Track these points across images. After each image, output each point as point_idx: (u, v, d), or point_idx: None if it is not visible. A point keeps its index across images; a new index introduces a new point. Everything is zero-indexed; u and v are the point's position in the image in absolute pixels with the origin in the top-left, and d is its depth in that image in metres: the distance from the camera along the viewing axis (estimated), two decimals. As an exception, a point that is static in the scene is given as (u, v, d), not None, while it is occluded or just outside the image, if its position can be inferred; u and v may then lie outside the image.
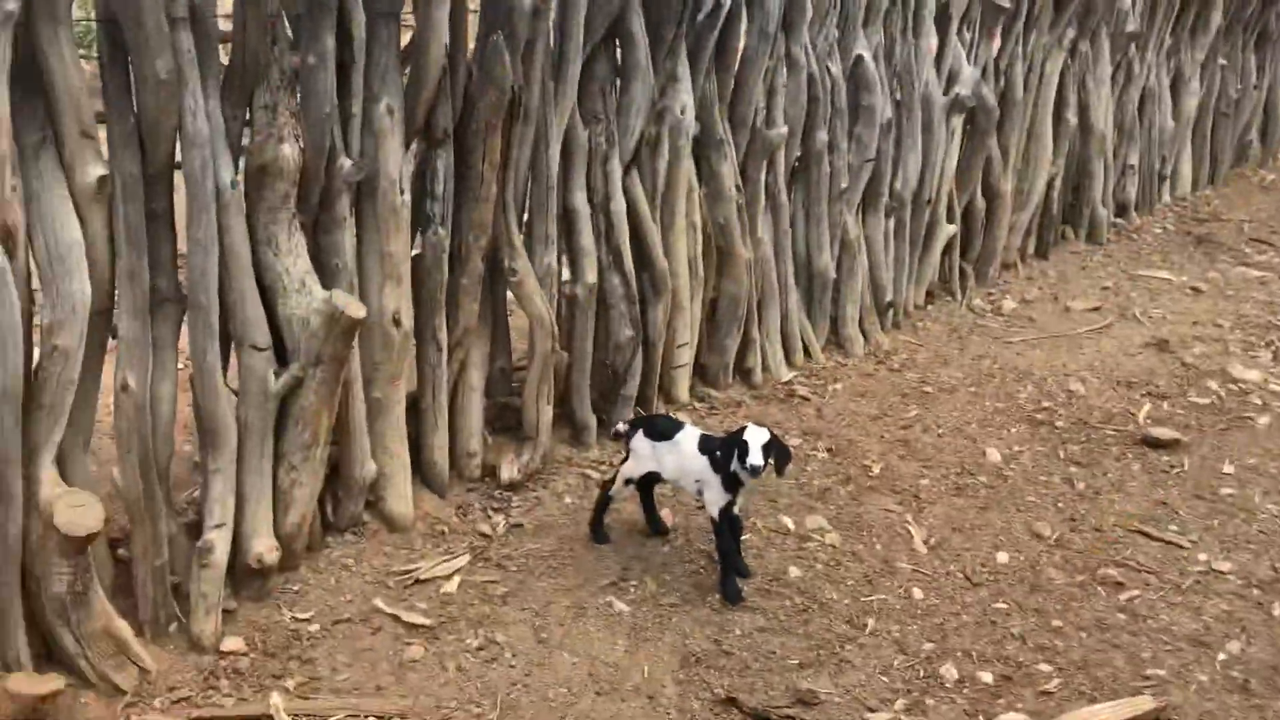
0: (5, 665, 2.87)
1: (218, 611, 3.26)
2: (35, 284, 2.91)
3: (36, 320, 2.93)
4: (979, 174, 6.46)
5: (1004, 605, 3.72)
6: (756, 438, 3.48)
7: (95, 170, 2.88)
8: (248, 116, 3.26)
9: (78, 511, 2.85)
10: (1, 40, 2.62)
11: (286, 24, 3.27)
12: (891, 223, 5.89)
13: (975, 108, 6.13)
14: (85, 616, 2.98)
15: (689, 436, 3.72)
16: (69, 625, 2.97)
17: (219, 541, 3.26)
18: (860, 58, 5.36)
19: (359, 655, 3.28)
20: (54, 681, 2.87)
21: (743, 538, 3.83)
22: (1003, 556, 4.00)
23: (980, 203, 6.59)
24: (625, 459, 3.86)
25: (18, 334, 2.75)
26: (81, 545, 2.87)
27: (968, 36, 6.05)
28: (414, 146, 3.76)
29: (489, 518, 4.03)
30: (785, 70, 5.00)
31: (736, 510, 3.68)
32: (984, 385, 5.46)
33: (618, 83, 4.40)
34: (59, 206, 2.84)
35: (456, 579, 3.65)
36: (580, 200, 4.31)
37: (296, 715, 3.01)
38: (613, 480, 3.91)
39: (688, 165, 4.65)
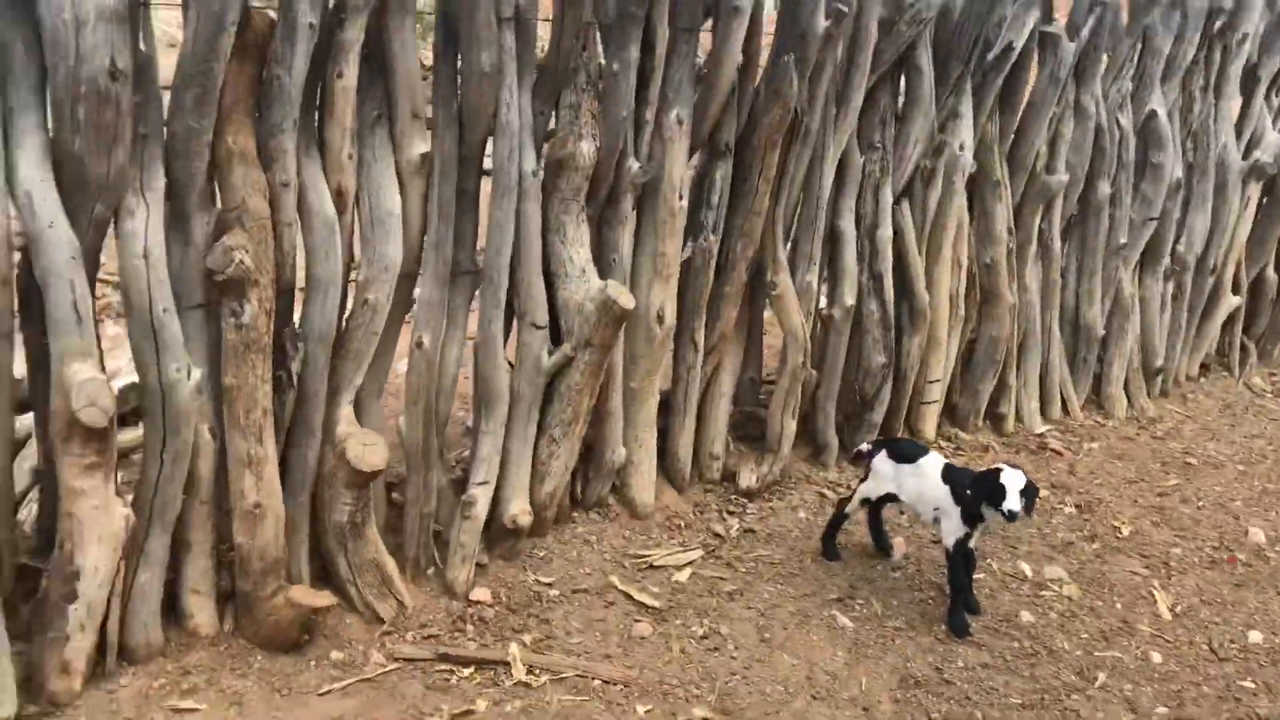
0: (289, 577, 3.22)
1: (472, 562, 3.53)
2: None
3: (352, 276, 3.29)
4: (1273, 246, 6.12)
5: (1251, 684, 3.53)
6: (1014, 482, 3.38)
7: (419, 148, 3.21)
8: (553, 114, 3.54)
9: (367, 449, 3.18)
10: (357, 24, 2.98)
11: (598, 32, 3.54)
12: (1170, 286, 5.68)
13: (1276, 176, 5.82)
14: (359, 547, 3.30)
15: (933, 463, 3.73)
16: (345, 552, 3.30)
17: (481, 497, 3.53)
18: (1154, 113, 5.22)
19: (591, 624, 3.48)
20: (327, 598, 3.20)
21: (975, 576, 3.80)
22: (1255, 636, 3.78)
23: (1272, 276, 6.24)
24: (865, 478, 3.91)
25: (339, 283, 3.12)
26: (366, 480, 3.19)
27: (1275, 101, 5.77)
28: (696, 156, 3.96)
29: (724, 519, 4.16)
30: (1072, 118, 4.93)
31: (972, 545, 3.66)
32: (1255, 465, 5.16)
33: (898, 113, 4.47)
34: (385, 177, 3.19)
35: (688, 570, 3.80)
36: (848, 223, 4.40)
37: (531, 666, 3.23)
38: (849, 498, 3.95)
39: (960, 201, 4.66)
